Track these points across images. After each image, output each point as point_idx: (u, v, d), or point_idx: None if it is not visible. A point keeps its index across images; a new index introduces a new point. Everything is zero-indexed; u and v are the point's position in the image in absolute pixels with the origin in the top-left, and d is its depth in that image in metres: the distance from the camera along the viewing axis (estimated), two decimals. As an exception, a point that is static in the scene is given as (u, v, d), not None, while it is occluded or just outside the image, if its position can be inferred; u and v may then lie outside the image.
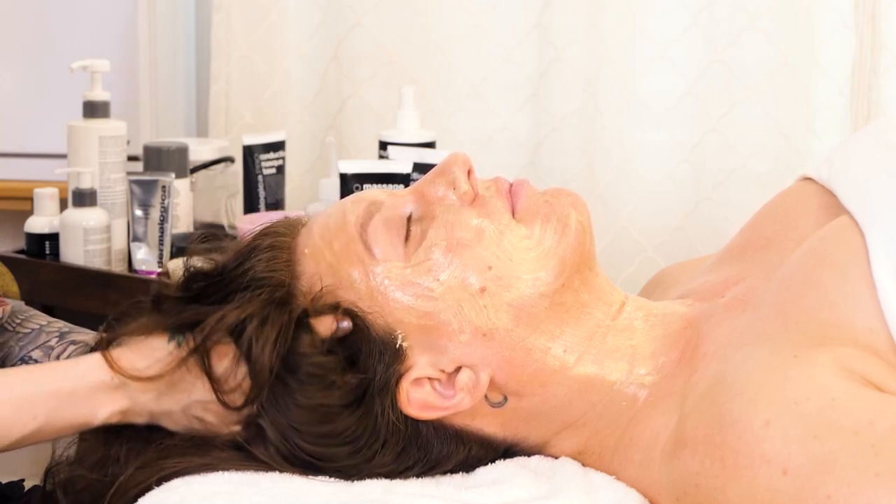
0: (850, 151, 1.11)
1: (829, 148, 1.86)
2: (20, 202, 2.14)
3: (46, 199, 1.86)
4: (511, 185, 1.07)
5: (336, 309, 1.01)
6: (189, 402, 1.03)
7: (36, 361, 1.20)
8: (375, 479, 1.01)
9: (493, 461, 1.04)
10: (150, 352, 1.03)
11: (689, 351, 1.04)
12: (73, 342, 1.22)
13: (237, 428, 1.02)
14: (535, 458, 1.05)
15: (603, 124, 1.99)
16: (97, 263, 1.81)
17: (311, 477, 1.00)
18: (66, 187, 1.84)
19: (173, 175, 1.81)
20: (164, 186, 1.79)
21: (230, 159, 2.03)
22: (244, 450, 1.01)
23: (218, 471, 0.99)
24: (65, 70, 1.85)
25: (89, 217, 1.80)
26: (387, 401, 1.01)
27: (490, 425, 1.04)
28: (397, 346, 1.01)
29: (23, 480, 1.20)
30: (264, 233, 1.07)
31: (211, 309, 1.02)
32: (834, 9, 1.88)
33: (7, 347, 1.22)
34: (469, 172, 1.06)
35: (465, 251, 1.02)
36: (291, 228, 1.08)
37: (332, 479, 1.00)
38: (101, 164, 1.83)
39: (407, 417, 1.02)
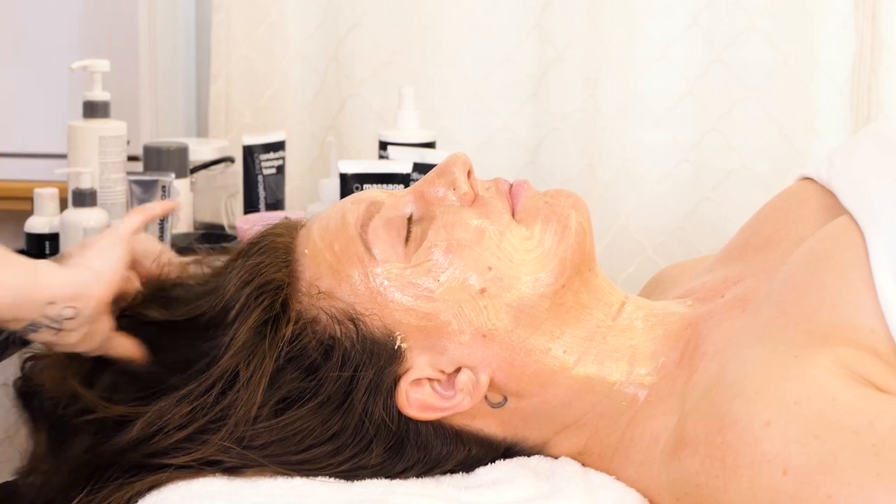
0: (850, 152, 1.11)
1: (829, 148, 1.86)
2: (20, 202, 2.13)
3: (46, 199, 1.85)
4: (511, 186, 1.06)
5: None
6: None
7: None
8: (376, 480, 1.01)
9: (493, 461, 1.04)
10: None
11: (689, 351, 1.04)
12: None
13: None
14: (535, 458, 1.05)
15: (603, 124, 1.99)
16: (97, 263, 1.81)
17: (311, 478, 1.00)
18: (66, 187, 1.84)
19: (173, 175, 1.80)
20: (164, 186, 1.78)
21: (230, 159, 2.02)
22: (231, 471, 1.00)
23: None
24: (65, 70, 1.85)
25: (89, 217, 1.80)
26: (377, 401, 1.01)
27: (490, 425, 1.04)
28: (396, 347, 1.01)
29: None
30: (263, 234, 1.07)
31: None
32: (834, 9, 1.88)
33: None
34: (469, 173, 1.06)
35: (466, 252, 1.01)
36: (290, 229, 1.08)
37: (333, 479, 1.00)
38: (101, 164, 1.83)
39: (400, 417, 1.01)
